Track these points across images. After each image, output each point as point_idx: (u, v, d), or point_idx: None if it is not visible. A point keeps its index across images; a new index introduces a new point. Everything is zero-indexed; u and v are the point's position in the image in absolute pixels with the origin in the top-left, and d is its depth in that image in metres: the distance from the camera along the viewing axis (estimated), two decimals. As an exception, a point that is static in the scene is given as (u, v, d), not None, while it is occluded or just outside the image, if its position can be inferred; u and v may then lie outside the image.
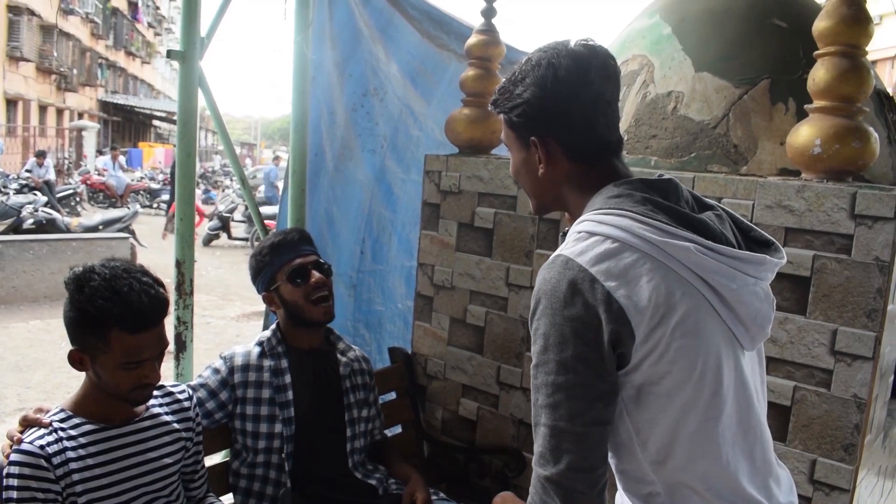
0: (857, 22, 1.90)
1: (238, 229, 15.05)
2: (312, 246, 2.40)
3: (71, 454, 1.68)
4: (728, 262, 1.22)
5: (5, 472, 1.62)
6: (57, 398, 5.49)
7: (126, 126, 41.44)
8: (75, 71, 31.43)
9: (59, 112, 30.87)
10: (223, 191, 20.50)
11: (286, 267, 2.30)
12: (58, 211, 12.75)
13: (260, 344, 2.32)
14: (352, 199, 3.41)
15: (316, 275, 2.30)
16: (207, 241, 14.48)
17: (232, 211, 14.96)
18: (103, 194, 19.37)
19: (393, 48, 3.38)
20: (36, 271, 8.64)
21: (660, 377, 1.19)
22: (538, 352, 1.20)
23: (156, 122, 46.20)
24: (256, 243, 2.32)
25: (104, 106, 36.19)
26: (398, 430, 2.80)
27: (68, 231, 10.63)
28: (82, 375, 1.77)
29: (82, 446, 1.70)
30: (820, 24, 1.94)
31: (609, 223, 1.21)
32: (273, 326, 2.37)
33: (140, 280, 1.70)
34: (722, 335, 1.24)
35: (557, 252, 1.24)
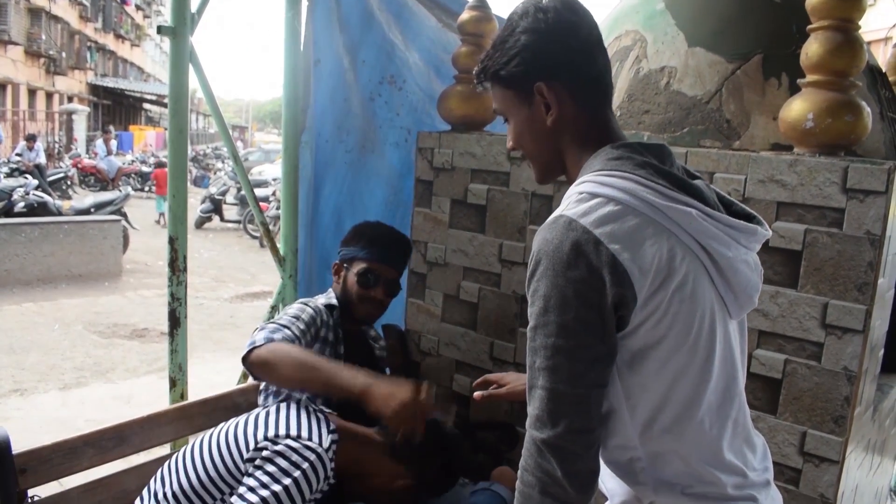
0: (850, -4, 1.90)
1: (230, 212, 15.02)
2: (405, 264, 2.49)
3: None
4: (724, 230, 1.22)
5: None
6: (51, 379, 5.50)
7: (116, 109, 41.13)
8: (64, 54, 31.13)
9: (49, 96, 30.61)
10: (215, 173, 20.43)
11: (366, 263, 2.37)
12: (49, 194, 12.66)
13: (327, 307, 2.38)
14: (373, 193, 3.29)
15: (380, 292, 2.36)
16: (199, 224, 14.46)
17: (224, 193, 14.93)
18: (94, 178, 19.28)
19: (411, 35, 3.25)
20: (28, 254, 8.64)
21: (657, 341, 1.19)
22: (537, 314, 1.18)
23: (146, 106, 45.87)
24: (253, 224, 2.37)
25: (94, 89, 35.90)
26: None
27: (60, 214, 10.58)
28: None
29: None
30: (813, -2, 1.94)
31: (612, 185, 1.20)
32: (333, 295, 2.44)
33: None
34: (714, 301, 1.25)
35: (558, 213, 1.22)
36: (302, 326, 2.20)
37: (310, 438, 1.77)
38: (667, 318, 1.18)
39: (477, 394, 1.87)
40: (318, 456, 1.74)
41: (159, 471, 1.92)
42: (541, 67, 1.30)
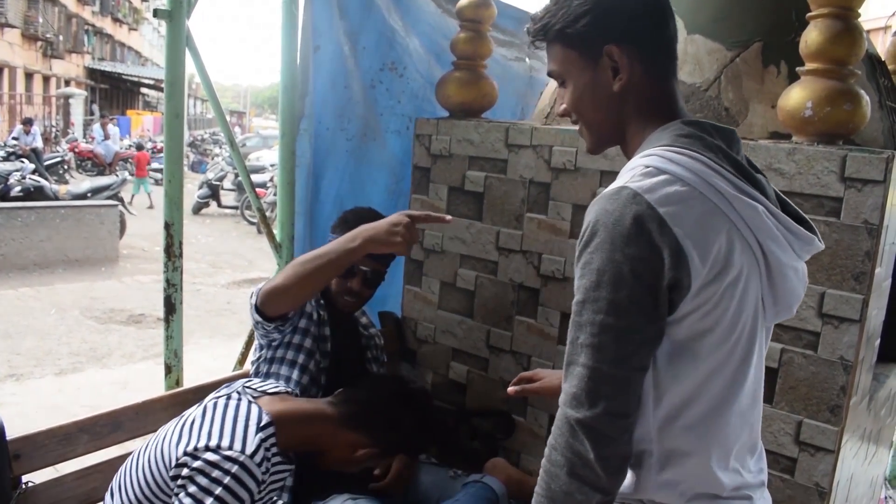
0: (850, -17, 1.88)
1: (228, 198, 14.99)
2: (391, 257, 2.34)
3: None
4: (783, 233, 1.18)
5: None
6: (47, 365, 5.50)
7: (114, 94, 40.97)
8: (61, 38, 31.00)
9: (46, 79, 30.48)
10: (212, 159, 20.38)
11: None
12: (46, 179, 12.63)
13: None
14: (375, 182, 3.23)
15: (357, 283, 2.25)
16: (197, 210, 14.44)
17: (221, 179, 14.89)
18: (91, 162, 19.23)
19: (411, 20, 3.19)
20: (24, 239, 8.62)
21: (701, 334, 1.15)
22: (587, 287, 1.12)
23: (144, 90, 45.72)
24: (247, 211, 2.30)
25: (91, 73, 35.76)
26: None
27: (56, 199, 10.54)
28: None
29: None
30: (813, -15, 1.93)
31: (681, 164, 1.13)
32: None
33: None
34: (758, 302, 1.21)
35: (621, 184, 1.15)
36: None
37: (230, 447, 1.68)
38: (716, 311, 1.14)
39: (511, 388, 1.83)
40: (241, 465, 1.65)
41: (111, 484, 1.86)
42: (613, 28, 1.22)
